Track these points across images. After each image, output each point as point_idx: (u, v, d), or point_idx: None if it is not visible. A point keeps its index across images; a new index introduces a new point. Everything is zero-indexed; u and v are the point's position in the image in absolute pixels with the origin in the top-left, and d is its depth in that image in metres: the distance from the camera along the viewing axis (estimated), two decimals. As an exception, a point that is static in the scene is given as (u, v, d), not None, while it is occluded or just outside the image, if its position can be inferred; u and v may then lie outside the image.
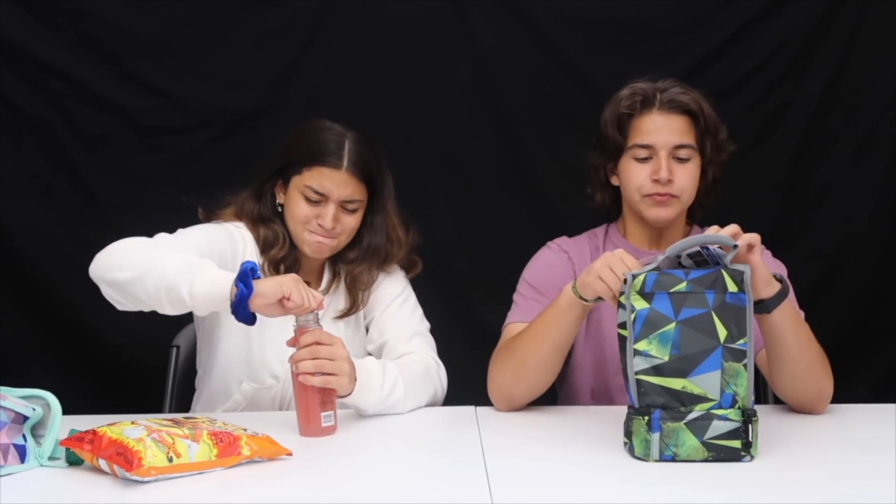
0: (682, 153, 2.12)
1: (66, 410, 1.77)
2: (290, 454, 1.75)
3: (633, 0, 2.89)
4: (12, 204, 2.84)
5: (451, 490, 1.62)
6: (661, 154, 2.11)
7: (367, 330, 2.31)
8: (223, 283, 1.83)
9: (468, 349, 2.82)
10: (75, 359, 2.82)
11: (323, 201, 2.15)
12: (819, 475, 1.69)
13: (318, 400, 1.91)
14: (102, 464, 1.64)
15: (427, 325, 2.30)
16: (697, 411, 1.71)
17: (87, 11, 2.81)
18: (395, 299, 2.28)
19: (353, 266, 2.25)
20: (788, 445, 1.83)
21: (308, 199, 2.16)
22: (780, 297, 1.88)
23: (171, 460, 1.61)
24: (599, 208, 2.28)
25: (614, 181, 2.21)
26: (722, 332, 1.71)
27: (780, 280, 1.90)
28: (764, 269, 1.85)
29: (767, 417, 1.86)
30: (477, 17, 2.89)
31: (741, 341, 1.72)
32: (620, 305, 1.78)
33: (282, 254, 2.19)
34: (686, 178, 2.13)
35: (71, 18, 2.81)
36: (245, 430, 1.74)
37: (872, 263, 2.95)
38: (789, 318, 1.92)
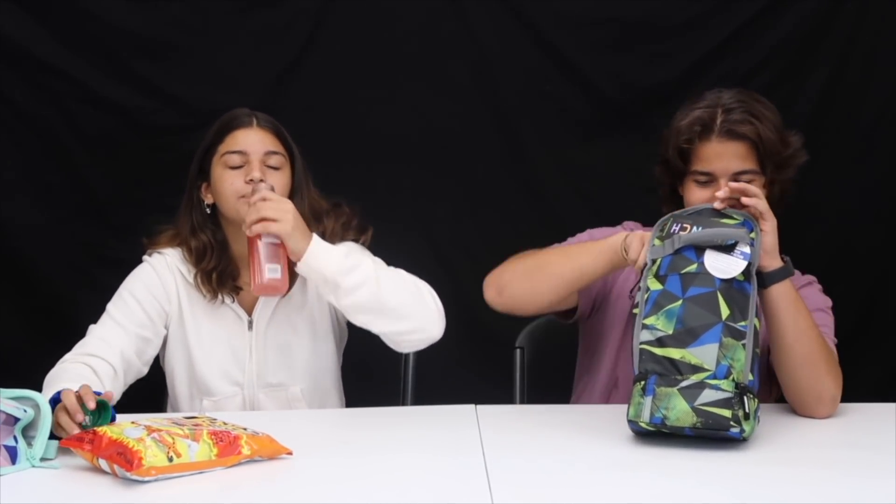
0: (743, 178, 2.09)
1: (66, 410, 1.76)
2: (290, 453, 1.75)
3: (633, 0, 2.89)
4: (12, 204, 2.84)
5: (451, 490, 1.62)
6: (721, 182, 2.08)
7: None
8: None
9: (468, 349, 2.83)
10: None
11: (245, 162, 2.15)
12: (819, 474, 1.69)
13: (264, 251, 1.99)
14: (102, 464, 1.64)
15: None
16: (692, 380, 1.76)
17: (86, 11, 2.81)
18: None
19: None
20: (788, 444, 1.84)
21: (231, 167, 2.15)
22: (781, 274, 1.93)
23: (171, 460, 1.61)
24: None
25: (681, 192, 2.21)
26: (724, 311, 1.79)
27: (785, 262, 1.94)
28: (771, 240, 1.91)
29: (768, 417, 1.87)
30: (477, 17, 2.89)
31: (742, 323, 1.79)
32: (640, 288, 1.86)
33: (211, 265, 2.19)
34: None
35: (71, 18, 2.81)
36: (245, 429, 1.74)
37: (872, 263, 2.95)
38: (787, 299, 1.94)
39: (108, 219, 2.87)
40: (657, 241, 1.89)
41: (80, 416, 1.74)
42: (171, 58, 2.85)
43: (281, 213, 2.02)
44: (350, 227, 2.25)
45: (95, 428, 1.69)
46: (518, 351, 2.47)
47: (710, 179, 2.10)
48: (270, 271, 2.00)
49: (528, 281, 2.12)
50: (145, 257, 2.25)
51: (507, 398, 2.44)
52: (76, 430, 1.73)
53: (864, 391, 2.83)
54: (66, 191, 2.87)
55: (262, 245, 2.02)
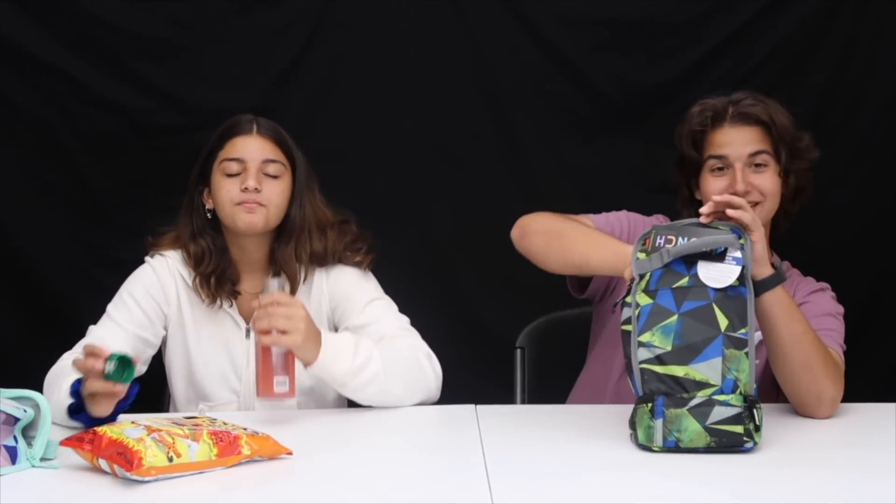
0: (759, 160, 2.11)
1: (66, 410, 1.77)
2: (290, 453, 1.74)
3: (633, 0, 2.89)
4: (12, 204, 2.85)
5: (451, 490, 1.62)
6: (736, 167, 2.10)
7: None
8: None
9: (468, 349, 2.83)
10: (75, 359, 2.83)
11: (243, 170, 2.14)
12: (819, 474, 1.69)
13: (273, 362, 1.94)
14: (102, 464, 1.64)
15: (406, 319, 2.21)
16: (700, 397, 1.74)
17: (87, 11, 2.81)
18: (366, 305, 2.19)
19: (287, 248, 2.17)
20: (789, 444, 1.83)
21: (229, 175, 2.15)
22: (772, 282, 1.91)
23: (171, 460, 1.61)
24: None
25: (697, 196, 2.20)
26: (723, 322, 1.76)
27: (776, 268, 1.93)
28: (760, 249, 1.88)
29: (768, 417, 1.86)
30: (477, 17, 2.89)
31: (742, 330, 1.76)
32: (626, 304, 1.82)
33: (210, 268, 2.18)
34: (766, 184, 2.12)
35: (71, 18, 2.81)
36: (245, 429, 1.74)
37: (872, 263, 2.95)
38: (780, 306, 1.93)
39: (108, 219, 2.87)
40: (641, 255, 1.84)
41: (99, 364, 1.74)
42: (171, 58, 2.85)
43: (293, 324, 1.94)
44: (354, 248, 2.22)
45: (95, 429, 1.69)
46: (518, 351, 2.47)
47: (725, 166, 2.11)
48: (279, 384, 1.94)
49: (546, 242, 2.15)
50: (147, 258, 2.25)
51: (507, 398, 2.44)
52: (103, 384, 1.75)
53: (864, 391, 2.84)
54: (66, 191, 2.87)
55: (273, 355, 1.95)
